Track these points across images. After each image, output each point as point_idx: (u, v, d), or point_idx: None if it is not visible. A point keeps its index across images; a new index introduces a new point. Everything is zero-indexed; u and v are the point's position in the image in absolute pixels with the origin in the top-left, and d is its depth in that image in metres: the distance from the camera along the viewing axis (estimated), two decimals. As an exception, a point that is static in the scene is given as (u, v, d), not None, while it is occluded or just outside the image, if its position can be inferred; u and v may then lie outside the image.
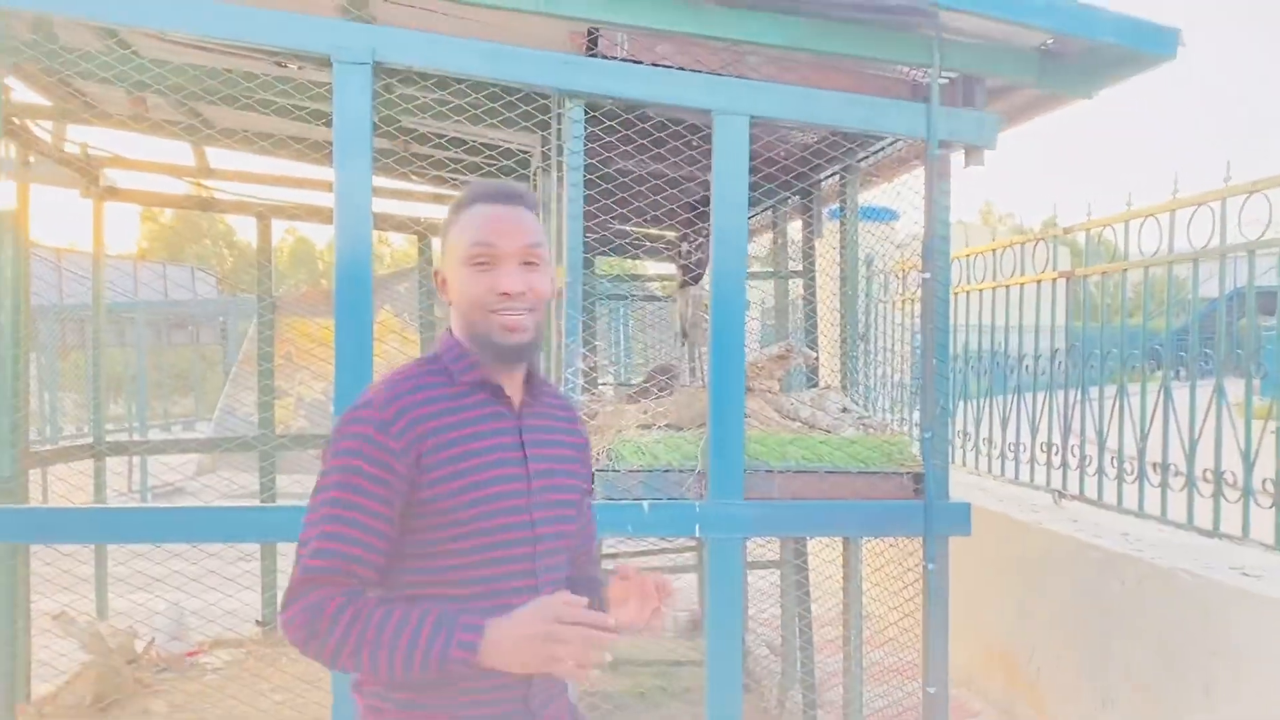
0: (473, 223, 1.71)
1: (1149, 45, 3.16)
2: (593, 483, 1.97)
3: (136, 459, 11.74)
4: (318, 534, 1.62)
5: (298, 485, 5.91)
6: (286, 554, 5.93)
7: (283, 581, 6.16)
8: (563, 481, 1.80)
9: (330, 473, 1.64)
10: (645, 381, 4.33)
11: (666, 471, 3.31)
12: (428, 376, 1.72)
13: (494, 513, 1.67)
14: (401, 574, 1.68)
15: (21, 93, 4.76)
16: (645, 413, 3.75)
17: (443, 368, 1.73)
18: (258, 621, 6.24)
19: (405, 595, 1.66)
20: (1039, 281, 5.22)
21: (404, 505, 1.63)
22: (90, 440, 5.96)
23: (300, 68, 4.23)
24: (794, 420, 3.77)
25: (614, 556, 5.74)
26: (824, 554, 5.40)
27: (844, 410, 3.78)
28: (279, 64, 4.24)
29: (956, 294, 5.86)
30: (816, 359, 4.62)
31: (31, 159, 5.02)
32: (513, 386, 1.77)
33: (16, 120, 4.78)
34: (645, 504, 3.22)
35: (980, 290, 5.78)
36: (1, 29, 2.94)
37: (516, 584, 1.69)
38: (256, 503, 6.23)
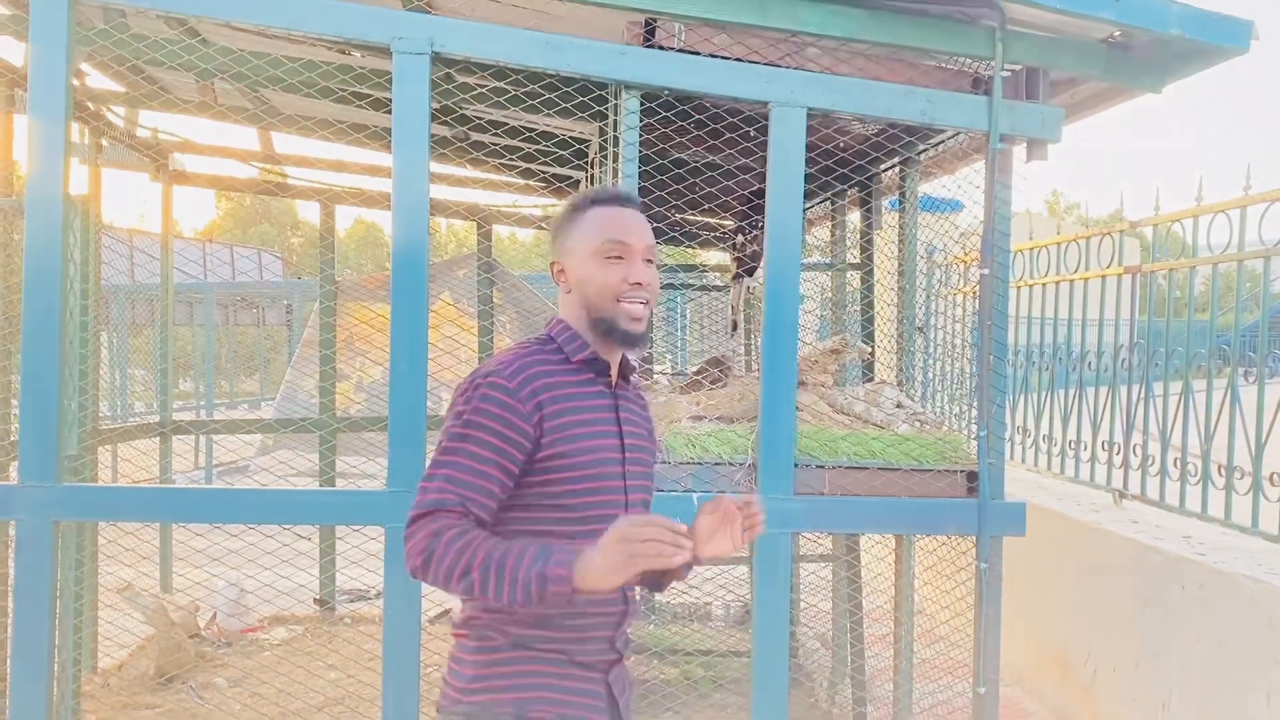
0: (602, 220, 1.93)
1: (1220, 38, 3.06)
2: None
3: (202, 436, 12.00)
4: (443, 476, 1.81)
5: (355, 469, 6.00)
6: (345, 536, 6.07)
7: (340, 563, 6.31)
8: (643, 457, 2.04)
9: (462, 425, 1.83)
10: (698, 373, 4.32)
11: (717, 464, 3.31)
12: (544, 353, 1.93)
13: (597, 475, 1.90)
14: (511, 523, 1.86)
15: (95, 79, 4.89)
16: (697, 404, 3.75)
17: (557, 347, 1.95)
18: (315, 600, 6.36)
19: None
20: (1104, 276, 5.12)
21: (524, 461, 1.84)
22: (158, 419, 6.12)
23: (362, 56, 4.29)
24: (847, 415, 3.74)
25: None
26: (876, 550, 5.36)
27: (898, 406, 3.74)
28: (342, 52, 4.30)
29: (1019, 288, 5.76)
30: (872, 353, 4.57)
31: (104, 143, 5.15)
32: (613, 368, 1.99)
33: (90, 105, 4.91)
34: (695, 496, 3.21)
35: (1044, 285, 5.68)
36: (76, 18, 3.01)
37: None
38: (316, 484, 6.35)
